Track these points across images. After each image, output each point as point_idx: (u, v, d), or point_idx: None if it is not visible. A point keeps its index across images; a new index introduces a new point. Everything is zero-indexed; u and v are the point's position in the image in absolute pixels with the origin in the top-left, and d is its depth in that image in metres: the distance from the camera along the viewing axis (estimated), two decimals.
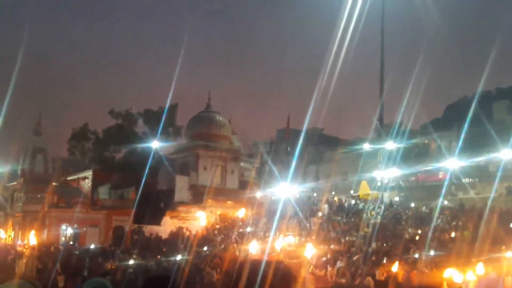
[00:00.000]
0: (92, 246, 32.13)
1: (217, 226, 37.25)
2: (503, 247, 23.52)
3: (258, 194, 41.22)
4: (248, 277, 1.95)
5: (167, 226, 37.50)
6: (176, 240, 33.59)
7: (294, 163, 40.49)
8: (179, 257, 27.12)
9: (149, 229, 36.17)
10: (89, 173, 44.52)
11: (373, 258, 25.74)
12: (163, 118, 43.28)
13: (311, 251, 24.84)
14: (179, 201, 40.14)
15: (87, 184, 44.22)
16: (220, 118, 45.82)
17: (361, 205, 41.64)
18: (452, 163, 41.95)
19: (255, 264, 2.00)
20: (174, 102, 47.89)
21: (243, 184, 43.31)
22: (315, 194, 49.71)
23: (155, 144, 41.26)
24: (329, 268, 24.08)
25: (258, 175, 48.02)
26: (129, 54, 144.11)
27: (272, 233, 30.87)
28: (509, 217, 30.01)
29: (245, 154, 49.66)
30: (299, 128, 56.08)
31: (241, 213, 36.36)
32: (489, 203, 31.86)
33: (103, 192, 42.72)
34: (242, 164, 45.99)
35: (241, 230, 34.33)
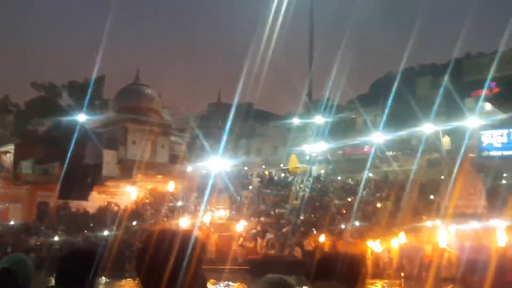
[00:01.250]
0: (13, 223, 30.94)
1: (147, 201, 36.81)
2: (424, 217, 24.73)
3: (189, 168, 41.00)
4: (156, 248, 1.95)
5: (95, 201, 36.62)
6: (104, 215, 32.92)
7: (225, 137, 40.48)
8: (106, 233, 26.64)
9: (76, 205, 35.19)
10: (10, 147, 42.57)
11: (302, 230, 26.39)
12: (89, 90, 41.82)
13: (242, 225, 25.14)
14: (107, 176, 39.23)
15: (8, 159, 42.29)
16: (150, 92, 44.87)
17: (290, 178, 42.42)
18: (377, 137, 43.40)
19: (164, 234, 1.99)
20: (101, 74, 46.44)
21: (174, 159, 42.89)
22: (246, 168, 50.09)
23: (81, 118, 39.89)
24: (259, 240, 24.48)
25: (189, 149, 47.72)
26: (52, 23, 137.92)
27: (202, 207, 30.91)
28: (430, 189, 31.50)
29: (176, 128, 49.04)
30: (231, 102, 56.10)
31: (170, 186, 36.06)
32: (411, 175, 33.28)
33: (26, 166, 41.03)
34: (172, 138, 45.41)
35: (171, 204, 34.12)
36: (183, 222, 27.15)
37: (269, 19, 33.98)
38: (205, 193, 31.31)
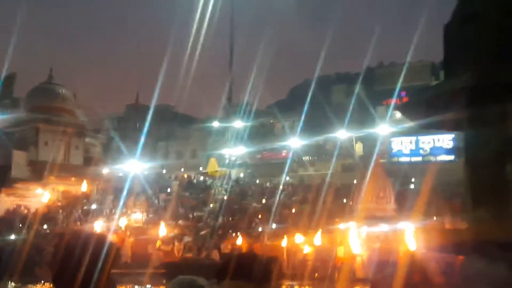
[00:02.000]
0: None
1: (59, 204, 35.47)
2: (337, 220, 25.55)
3: (105, 170, 39.98)
4: (68, 252, 1.96)
5: (2, 204, 34.80)
6: (13, 218, 31.34)
7: (143, 140, 39.83)
8: (14, 237, 25.42)
9: None
10: None
11: (220, 232, 26.48)
12: None
13: (163, 228, 24.89)
14: (17, 178, 37.43)
15: None
16: (64, 91, 43.28)
17: (209, 182, 42.41)
18: (294, 142, 44.39)
19: (76, 238, 2.01)
20: (12, 72, 44.28)
21: (89, 160, 41.65)
22: (164, 171, 49.53)
23: None
24: (176, 243, 24.29)
25: (105, 151, 46.50)
26: None
27: (118, 210, 30.24)
28: (343, 192, 32.61)
29: (92, 129, 47.63)
30: (149, 104, 55.25)
31: (83, 187, 35.00)
32: (326, 179, 34.32)
33: None
34: (88, 139, 44.07)
35: (85, 207, 33.09)
36: (98, 226, 26.41)
37: (190, 22, 33.87)
38: (121, 196, 30.68)
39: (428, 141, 37.59)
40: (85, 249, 1.99)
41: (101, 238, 2.06)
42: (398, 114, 49.42)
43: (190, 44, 35.20)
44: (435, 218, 24.60)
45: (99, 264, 1.99)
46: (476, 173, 5.76)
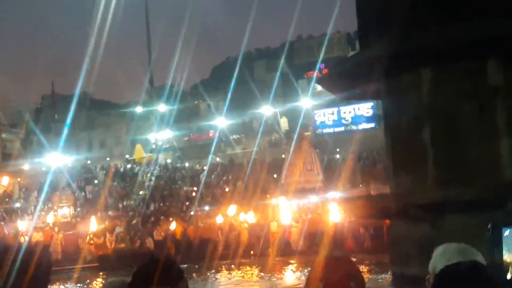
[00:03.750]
0: None
1: None
2: (268, 196, 25.89)
3: (26, 166, 38.25)
4: None
5: None
6: None
7: (64, 131, 38.41)
8: None
9: None
10: None
11: (152, 220, 26.13)
12: None
13: (93, 222, 24.25)
14: None
15: None
16: None
17: (137, 169, 41.61)
18: (220, 122, 44.30)
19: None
20: None
21: (7, 157, 39.69)
22: (89, 162, 48.08)
23: None
24: (108, 235, 23.76)
25: (25, 146, 44.48)
26: None
27: (42, 206, 29.15)
28: (273, 168, 32.99)
29: (7, 124, 45.33)
30: (67, 93, 53.18)
31: (3, 184, 33.45)
32: (252, 156, 34.60)
33: None
34: (4, 135, 41.95)
35: (7, 206, 31.62)
36: (22, 225, 25.34)
37: (104, 5, 32.66)
38: (45, 191, 29.55)
39: (349, 111, 38.58)
40: (12, 265, 1.90)
41: (30, 252, 1.96)
42: (320, 87, 50.38)
43: (107, 29, 34.02)
44: (360, 185, 25.48)
45: (27, 274, 1.91)
46: (396, 139, 5.97)
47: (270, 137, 48.24)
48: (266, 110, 42.95)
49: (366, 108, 37.57)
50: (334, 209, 18.90)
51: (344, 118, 39.09)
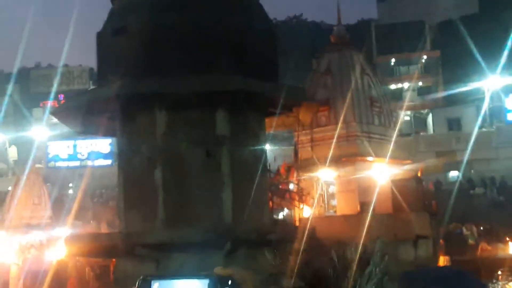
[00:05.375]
0: None
1: None
2: None
3: None
4: None
5: None
6: None
7: None
8: None
9: None
10: None
11: None
12: None
13: None
14: None
15: None
16: None
17: None
18: None
19: None
20: None
21: None
22: None
23: None
24: None
25: None
26: None
27: None
28: None
29: None
30: None
31: None
32: None
33: None
34: None
35: None
36: None
37: None
38: None
39: (86, 146, 37.55)
40: None
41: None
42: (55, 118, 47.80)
43: None
44: (91, 222, 24.72)
45: None
46: (128, 178, 6.02)
47: None
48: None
49: (103, 145, 37.09)
50: (60, 246, 17.93)
51: (80, 153, 37.91)
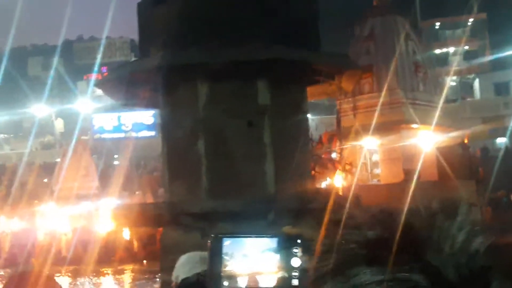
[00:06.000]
0: None
1: None
2: (36, 201, 24.14)
3: None
4: None
5: None
6: None
7: None
8: None
9: None
10: None
11: None
12: None
13: None
14: None
15: None
16: None
17: None
18: None
19: None
20: None
21: None
22: None
23: None
24: None
25: None
26: None
27: None
28: (44, 172, 30.90)
29: None
30: None
31: None
32: (24, 158, 32.01)
33: None
34: None
35: None
36: None
37: None
38: None
39: (130, 117, 38.21)
40: None
41: None
42: (100, 90, 48.68)
43: None
44: (137, 192, 25.32)
45: None
46: (172, 150, 6.09)
47: (43, 138, 45.16)
48: (40, 109, 40.07)
49: (147, 116, 37.64)
50: (108, 217, 18.47)
51: (125, 125, 38.59)
